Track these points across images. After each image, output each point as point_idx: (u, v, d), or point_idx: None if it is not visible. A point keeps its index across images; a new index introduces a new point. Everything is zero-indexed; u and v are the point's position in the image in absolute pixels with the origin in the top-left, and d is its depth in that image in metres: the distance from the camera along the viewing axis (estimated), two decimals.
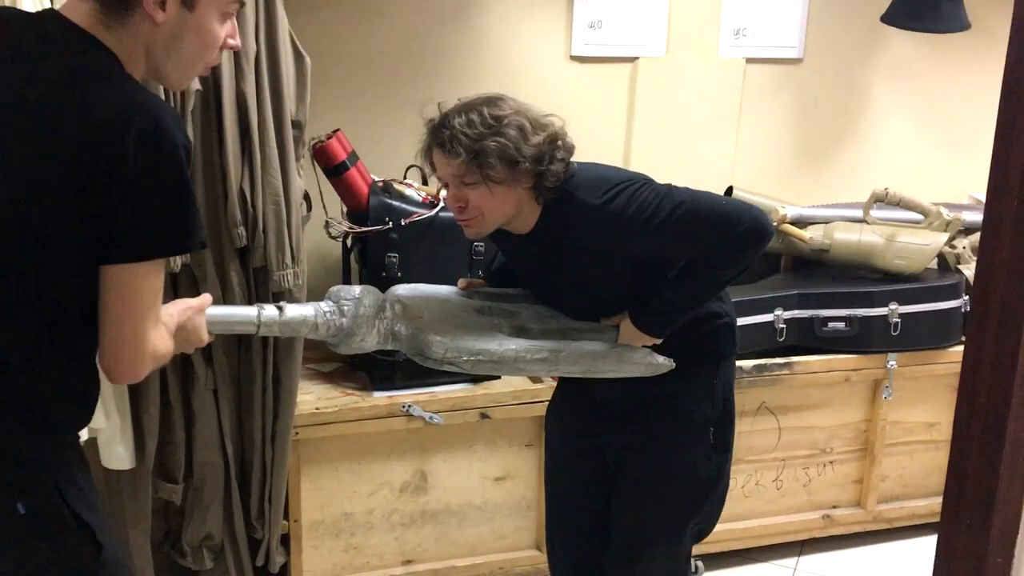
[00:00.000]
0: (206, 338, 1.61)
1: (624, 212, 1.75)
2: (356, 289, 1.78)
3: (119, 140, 1.23)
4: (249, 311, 1.72)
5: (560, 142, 1.77)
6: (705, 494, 2.03)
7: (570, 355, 1.80)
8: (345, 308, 1.74)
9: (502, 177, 1.72)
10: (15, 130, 1.27)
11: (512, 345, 1.75)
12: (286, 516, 2.52)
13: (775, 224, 2.96)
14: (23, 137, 1.27)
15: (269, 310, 1.70)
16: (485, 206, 1.76)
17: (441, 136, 1.72)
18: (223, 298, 2.24)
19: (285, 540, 2.55)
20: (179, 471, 2.41)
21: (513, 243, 1.91)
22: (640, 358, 1.86)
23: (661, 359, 1.88)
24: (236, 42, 1.44)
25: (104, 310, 1.31)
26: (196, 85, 2.12)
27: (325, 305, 1.75)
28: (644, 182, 1.82)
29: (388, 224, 2.52)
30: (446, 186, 1.82)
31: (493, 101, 1.75)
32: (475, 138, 1.69)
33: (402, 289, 1.90)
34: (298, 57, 2.25)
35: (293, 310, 1.72)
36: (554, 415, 2.22)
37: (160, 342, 1.38)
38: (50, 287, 1.30)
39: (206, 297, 1.62)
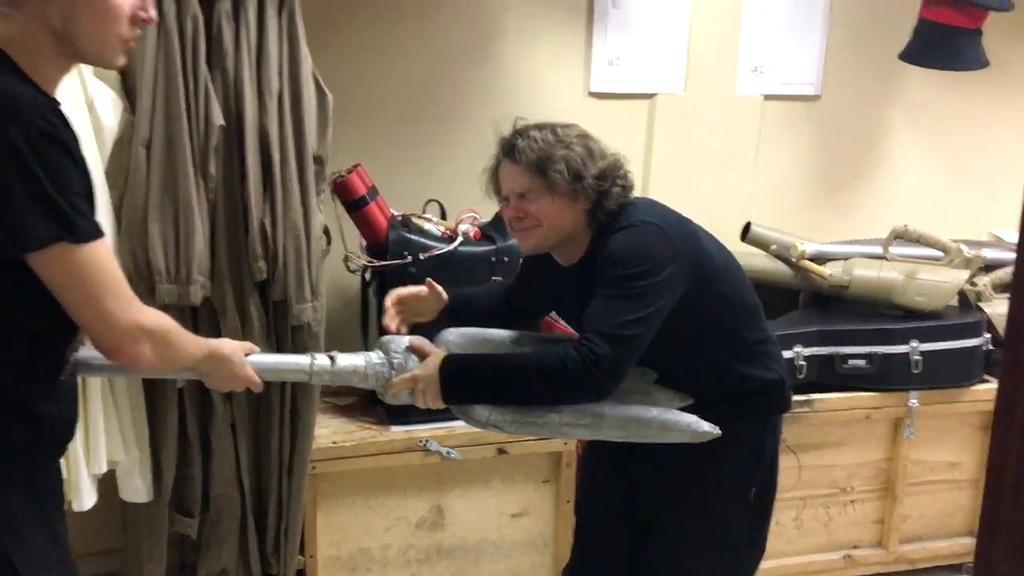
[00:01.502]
0: (258, 380, 1.62)
1: (613, 253, 1.73)
2: (405, 340, 1.78)
3: None
4: (301, 360, 1.73)
5: (622, 170, 1.82)
6: (739, 559, 1.94)
7: (614, 421, 1.75)
8: (395, 361, 1.75)
9: (565, 189, 1.75)
10: None
11: (555, 411, 1.72)
12: (302, 551, 2.51)
13: (794, 260, 2.96)
14: None
15: (321, 359, 1.71)
16: (545, 216, 1.78)
17: (513, 143, 1.78)
18: (242, 331, 2.25)
19: (301, 575, 2.54)
20: (195, 505, 2.41)
21: (558, 275, 1.89)
22: (685, 425, 1.77)
23: (707, 426, 1.78)
24: (149, 14, 1.41)
25: (60, 301, 1.32)
26: (220, 120, 2.14)
27: (375, 356, 1.76)
28: (664, 259, 1.72)
29: (407, 258, 2.53)
30: (507, 200, 1.83)
31: (565, 124, 1.83)
32: (545, 146, 1.75)
33: (452, 335, 1.88)
34: (320, 94, 2.28)
35: (345, 360, 1.73)
36: (592, 457, 2.15)
37: (141, 316, 1.37)
38: None
39: (250, 344, 1.66)
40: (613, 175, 1.79)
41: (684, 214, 1.90)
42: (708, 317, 1.81)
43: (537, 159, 1.75)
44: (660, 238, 1.74)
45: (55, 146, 1.26)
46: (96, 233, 1.32)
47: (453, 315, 2.00)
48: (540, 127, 1.80)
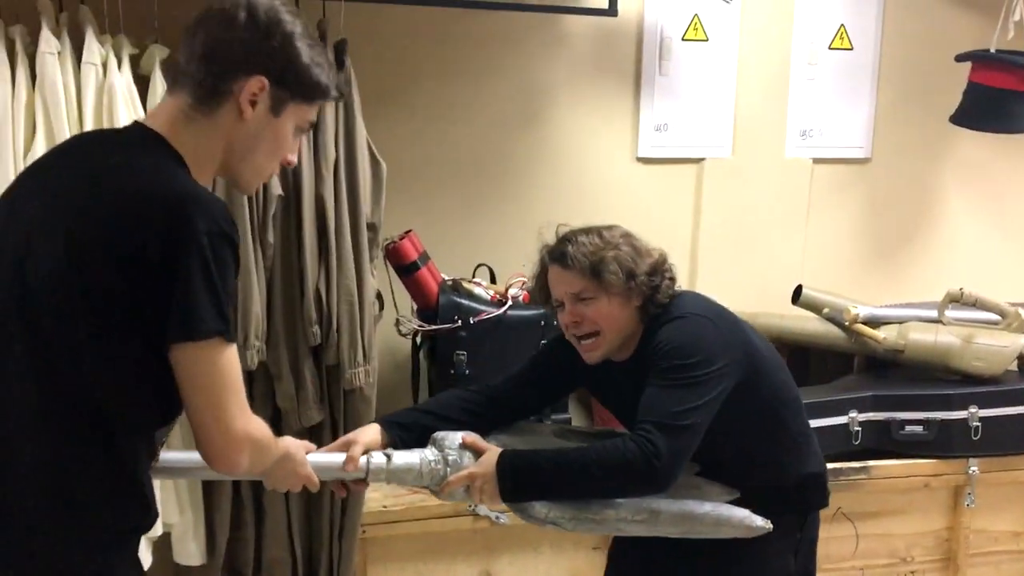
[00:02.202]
0: (316, 480, 1.62)
1: (665, 343, 1.74)
2: (459, 436, 1.77)
3: (142, 224, 1.25)
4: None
5: (668, 264, 1.85)
6: None
7: (669, 516, 1.74)
8: (449, 457, 1.74)
9: (620, 288, 1.77)
10: (55, 218, 1.30)
11: (611, 508, 1.72)
12: None
13: (847, 323, 2.93)
14: (63, 223, 1.30)
15: (377, 457, 1.71)
16: (602, 320, 1.79)
17: (562, 250, 1.80)
18: (296, 395, 2.29)
19: None
20: (248, 567, 2.42)
21: (610, 373, 1.88)
22: (739, 521, 1.77)
23: (760, 521, 1.77)
24: (293, 159, 1.48)
25: (183, 397, 1.32)
26: (278, 190, 2.20)
27: (430, 453, 1.74)
28: (717, 350, 1.72)
29: (457, 322, 2.55)
30: (561, 306, 1.84)
31: (608, 226, 1.85)
32: (595, 250, 1.78)
33: (504, 435, 1.88)
34: (375, 163, 2.34)
35: (400, 458, 1.72)
36: (618, 547, 2.10)
37: (251, 426, 1.35)
38: (90, 373, 1.29)
39: (308, 443, 1.67)
40: (662, 270, 1.82)
41: (729, 302, 1.92)
42: (758, 409, 1.81)
43: (590, 263, 1.77)
44: (711, 329, 1.76)
45: (229, 248, 1.30)
46: (235, 337, 1.37)
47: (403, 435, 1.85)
48: (586, 231, 1.82)
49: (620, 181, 3.09)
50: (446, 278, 2.68)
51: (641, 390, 1.74)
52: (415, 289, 2.63)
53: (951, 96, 2.98)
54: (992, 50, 2.90)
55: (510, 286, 2.70)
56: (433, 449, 1.74)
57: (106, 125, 2.03)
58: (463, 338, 2.56)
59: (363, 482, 1.71)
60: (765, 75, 3.14)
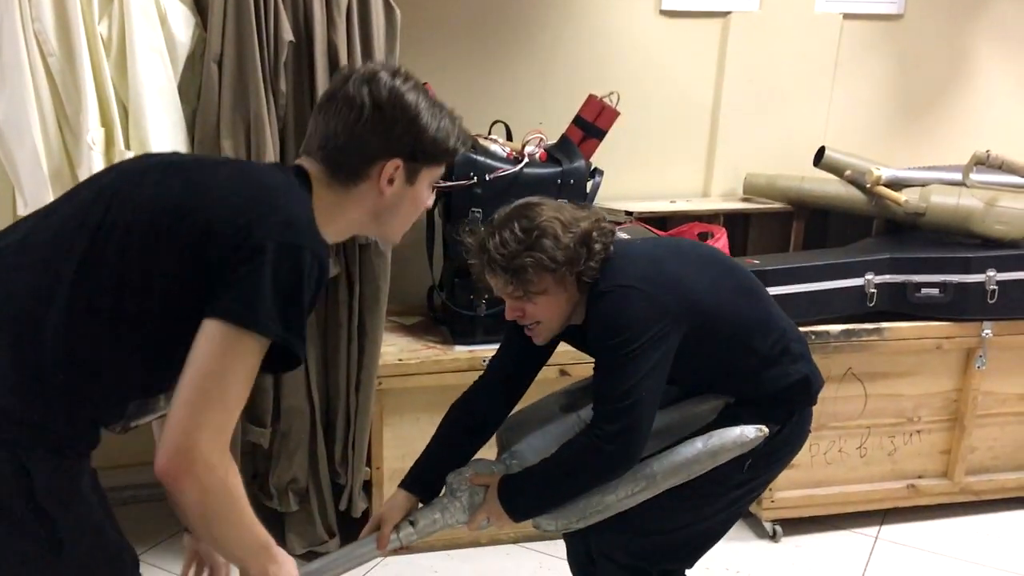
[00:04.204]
0: None
1: (596, 325, 1.73)
2: (467, 473, 1.81)
3: (248, 226, 1.25)
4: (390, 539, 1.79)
5: (594, 235, 1.75)
6: (705, 515, 1.88)
7: (666, 473, 1.77)
8: (463, 499, 1.80)
9: (544, 287, 1.74)
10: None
11: (610, 493, 1.76)
12: (368, 463, 2.58)
13: (869, 185, 2.88)
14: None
15: (405, 529, 1.78)
16: (539, 314, 1.78)
17: (483, 259, 1.77)
18: None
19: (367, 486, 2.62)
20: (267, 415, 2.49)
21: (574, 334, 1.87)
22: (733, 442, 1.77)
23: (753, 432, 1.78)
24: (429, 203, 1.51)
25: (183, 375, 1.27)
26: (289, 35, 2.15)
27: (447, 500, 1.80)
28: (646, 320, 1.69)
29: (472, 179, 2.52)
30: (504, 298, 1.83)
31: (523, 212, 1.76)
32: (511, 257, 1.71)
33: (518, 442, 1.88)
34: (388, 9, 2.26)
35: (424, 517, 1.79)
36: None
37: (214, 452, 1.24)
38: (153, 318, 1.28)
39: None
40: (590, 241, 1.74)
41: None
42: (721, 344, 1.79)
43: (511, 269, 1.71)
44: (637, 299, 1.71)
45: (318, 279, 1.30)
46: (294, 360, 1.31)
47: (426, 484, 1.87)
48: (500, 228, 1.73)
49: (642, 35, 2.99)
50: None
51: None
52: None
53: None
54: None
55: (526, 143, 2.65)
56: (448, 495, 1.81)
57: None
58: (478, 195, 2.53)
59: (402, 550, 1.79)
60: None
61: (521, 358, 1.93)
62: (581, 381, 2.04)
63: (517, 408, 1.94)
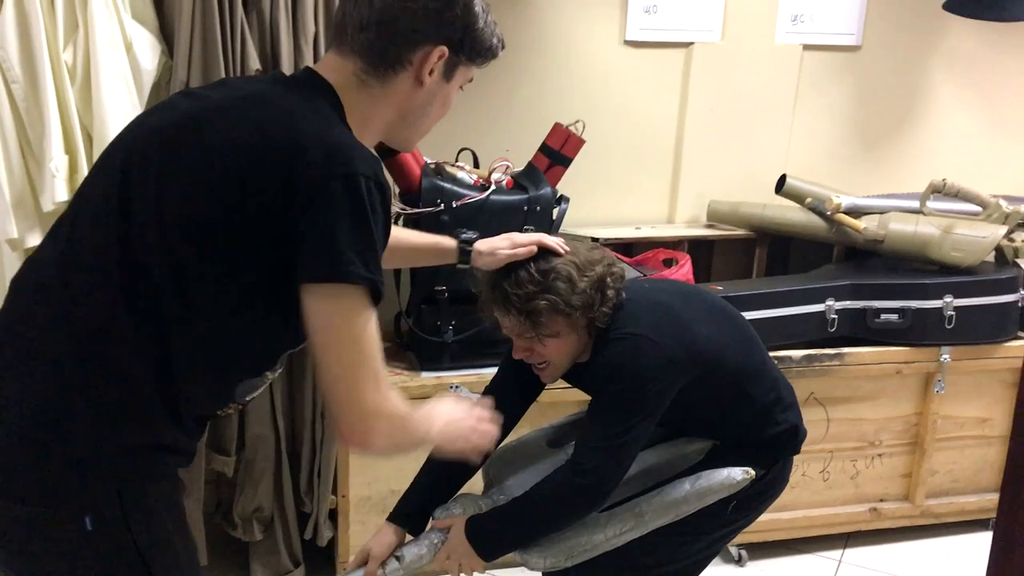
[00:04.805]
0: (494, 432, 1.58)
1: (602, 369, 1.75)
2: (453, 510, 1.83)
3: (288, 164, 1.20)
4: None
5: (608, 281, 1.77)
6: (687, 551, 1.91)
7: (654, 514, 1.79)
8: (436, 540, 1.81)
9: (557, 329, 1.75)
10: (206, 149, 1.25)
11: (599, 532, 1.78)
12: (334, 491, 2.56)
13: (829, 213, 2.93)
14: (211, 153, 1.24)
15: (391, 565, 1.78)
16: (549, 354, 1.79)
17: (495, 297, 1.76)
18: None
19: (333, 515, 2.60)
20: (232, 444, 2.47)
21: (577, 372, 1.88)
22: (720, 484, 1.80)
23: (739, 474, 1.81)
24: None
25: (312, 354, 1.26)
26: (256, 64, 2.15)
27: (435, 536, 1.81)
28: (653, 371, 1.72)
29: (440, 206, 2.54)
30: (511, 336, 1.83)
31: (541, 252, 1.77)
32: (526, 298, 1.71)
33: (509, 478, 1.91)
34: None
35: (410, 553, 1.79)
36: None
37: (387, 402, 1.28)
38: (209, 295, 1.25)
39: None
40: (603, 286, 1.75)
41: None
42: (719, 390, 1.82)
43: (526, 312, 1.72)
44: (648, 350, 1.72)
45: (382, 198, 1.25)
46: (378, 297, 1.27)
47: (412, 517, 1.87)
48: (516, 266, 1.74)
49: (607, 65, 3.03)
50: (429, 161, 2.65)
51: None
52: (397, 171, 2.60)
53: None
54: None
55: (493, 170, 2.67)
56: (435, 532, 1.81)
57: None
58: (445, 222, 2.54)
59: None
60: None
61: (512, 394, 1.94)
62: (567, 417, 2.06)
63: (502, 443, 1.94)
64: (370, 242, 1.22)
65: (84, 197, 1.32)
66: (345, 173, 1.20)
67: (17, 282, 1.34)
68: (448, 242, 1.82)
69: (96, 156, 2.04)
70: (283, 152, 1.20)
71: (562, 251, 1.77)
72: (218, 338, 1.28)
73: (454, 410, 1.51)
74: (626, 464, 1.73)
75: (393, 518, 1.86)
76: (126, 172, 1.26)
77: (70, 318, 1.25)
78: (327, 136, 1.23)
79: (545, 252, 1.77)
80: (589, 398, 1.83)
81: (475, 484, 1.95)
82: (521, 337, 1.78)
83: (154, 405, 1.27)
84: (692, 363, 1.75)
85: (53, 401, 1.24)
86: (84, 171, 2.04)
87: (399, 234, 1.78)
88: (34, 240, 2.04)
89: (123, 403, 1.25)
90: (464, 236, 1.84)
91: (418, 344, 2.67)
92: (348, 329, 1.23)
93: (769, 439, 1.89)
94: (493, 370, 2.57)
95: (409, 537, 1.83)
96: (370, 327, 1.26)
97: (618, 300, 1.78)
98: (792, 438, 1.92)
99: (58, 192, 2.00)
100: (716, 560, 2.84)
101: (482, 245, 1.79)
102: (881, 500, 2.98)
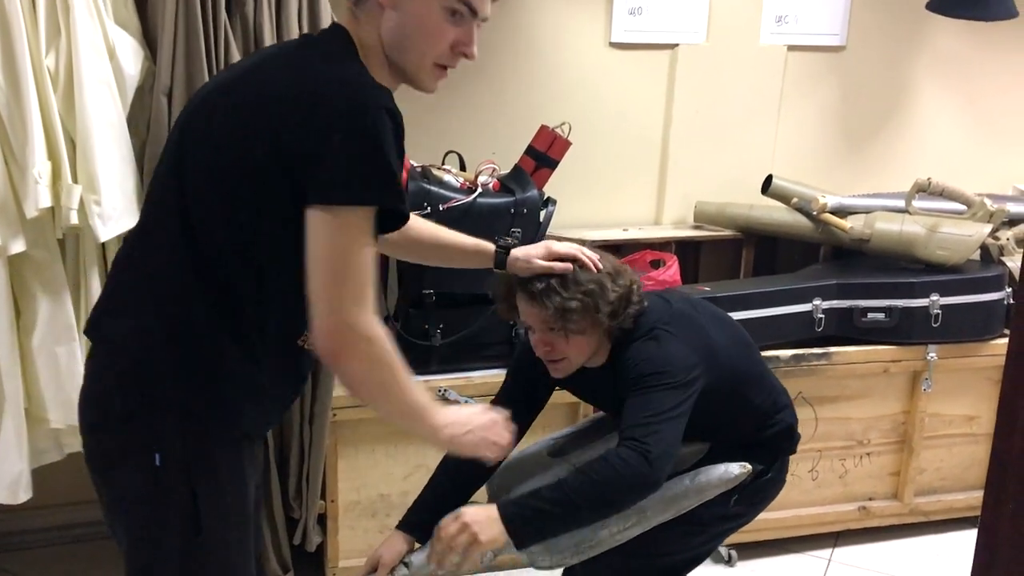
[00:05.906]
0: (508, 437, 1.62)
1: (635, 362, 1.81)
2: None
3: (307, 110, 1.30)
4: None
5: (635, 289, 1.86)
6: (691, 543, 1.97)
7: (656, 509, 1.83)
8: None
9: (583, 328, 1.82)
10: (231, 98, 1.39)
11: (603, 528, 1.81)
12: (323, 496, 2.55)
13: (815, 213, 2.94)
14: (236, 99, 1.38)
15: (400, 571, 1.80)
16: (569, 351, 1.85)
17: (533, 288, 1.80)
18: None
19: (322, 520, 2.59)
20: None
21: (586, 376, 1.93)
22: (719, 479, 1.86)
23: (737, 470, 1.87)
24: (471, 50, 1.45)
25: (307, 265, 1.32)
26: None
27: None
28: (683, 363, 1.80)
29: (426, 209, 2.53)
30: (530, 327, 1.87)
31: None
32: (564, 296, 1.78)
33: (512, 487, 1.93)
34: None
35: (417, 558, 1.80)
36: None
37: (369, 323, 1.32)
38: (247, 240, 1.36)
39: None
40: (628, 300, 1.84)
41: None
42: (721, 397, 1.88)
43: (557, 309, 1.79)
44: (677, 344, 1.83)
45: (392, 123, 1.32)
46: (398, 219, 1.37)
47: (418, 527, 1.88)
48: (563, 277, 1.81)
49: (593, 67, 3.03)
50: (415, 164, 2.64)
51: (618, 390, 1.83)
52: None
53: None
54: None
55: (480, 173, 2.67)
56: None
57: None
58: None
59: None
60: None
61: (521, 404, 1.96)
62: (568, 429, 2.10)
63: None
64: (381, 167, 1.30)
65: (154, 175, 1.50)
66: (351, 105, 1.29)
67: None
68: (488, 246, 1.88)
69: (80, 162, 2.04)
70: (308, 99, 1.31)
71: (596, 268, 1.84)
72: (277, 270, 1.37)
73: (473, 415, 1.55)
74: (677, 445, 1.76)
75: (402, 526, 1.90)
76: (179, 142, 1.42)
77: (146, 272, 1.41)
78: (336, 74, 1.33)
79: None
80: (589, 408, 1.86)
81: (479, 498, 1.98)
82: (546, 330, 1.83)
83: (230, 352, 1.37)
84: (708, 368, 1.83)
85: (140, 346, 1.38)
86: (67, 177, 2.02)
87: (445, 234, 1.88)
88: (18, 247, 2.02)
89: (198, 350, 1.37)
90: (502, 242, 1.89)
91: (405, 348, 2.64)
92: (345, 245, 1.30)
93: (766, 440, 1.96)
94: (482, 373, 2.60)
95: (418, 546, 1.84)
96: (366, 251, 1.31)
97: (641, 307, 1.87)
98: (789, 437, 2.00)
99: (41, 198, 1.98)
100: (706, 560, 2.85)
101: (519, 252, 1.85)
102: (870, 499, 2.99)
